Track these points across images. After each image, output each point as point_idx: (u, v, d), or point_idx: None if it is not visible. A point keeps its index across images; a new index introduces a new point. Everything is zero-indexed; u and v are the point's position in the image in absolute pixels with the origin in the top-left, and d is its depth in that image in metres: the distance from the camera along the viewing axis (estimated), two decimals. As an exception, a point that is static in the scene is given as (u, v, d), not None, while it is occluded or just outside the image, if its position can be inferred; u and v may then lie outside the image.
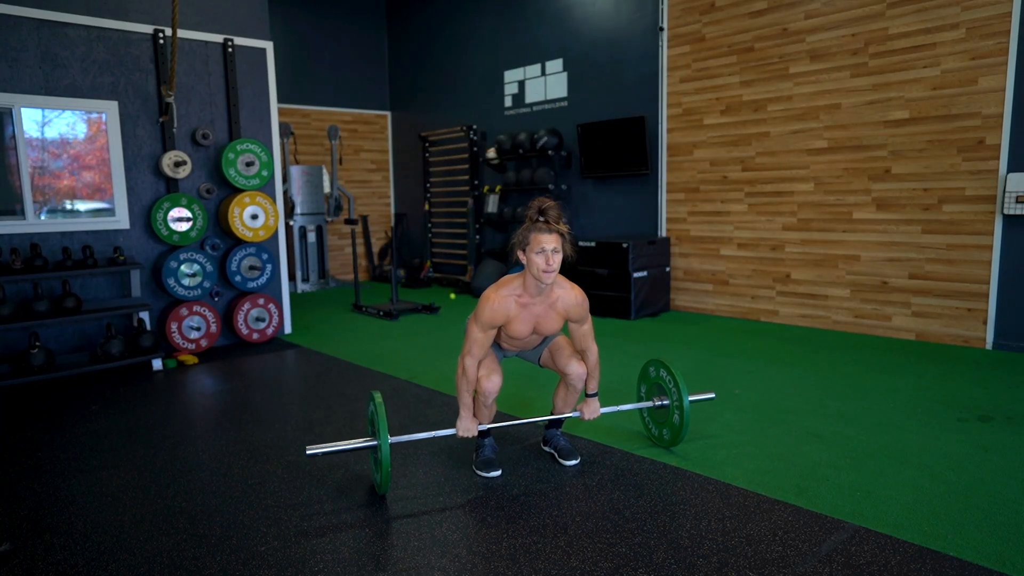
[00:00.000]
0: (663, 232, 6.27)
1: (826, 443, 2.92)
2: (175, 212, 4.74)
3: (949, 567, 1.94)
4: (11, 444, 3.15)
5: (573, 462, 2.75)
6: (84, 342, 4.59)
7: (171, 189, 4.85)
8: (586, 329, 2.62)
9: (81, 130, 4.68)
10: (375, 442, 2.42)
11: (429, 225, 8.91)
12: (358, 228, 8.48)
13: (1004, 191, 4.28)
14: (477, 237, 8.05)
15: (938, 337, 4.72)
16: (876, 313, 5.00)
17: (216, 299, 5.12)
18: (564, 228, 2.42)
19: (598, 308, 6.11)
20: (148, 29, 4.72)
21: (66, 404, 3.77)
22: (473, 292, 7.49)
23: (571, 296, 2.55)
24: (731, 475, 2.61)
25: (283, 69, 8.05)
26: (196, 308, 4.84)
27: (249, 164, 5.05)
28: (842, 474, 2.60)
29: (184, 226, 4.78)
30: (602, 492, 2.50)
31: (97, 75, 4.55)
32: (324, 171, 8.42)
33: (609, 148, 6.42)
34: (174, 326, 4.76)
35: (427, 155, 8.80)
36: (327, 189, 8.44)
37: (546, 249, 2.36)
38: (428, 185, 8.86)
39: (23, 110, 4.32)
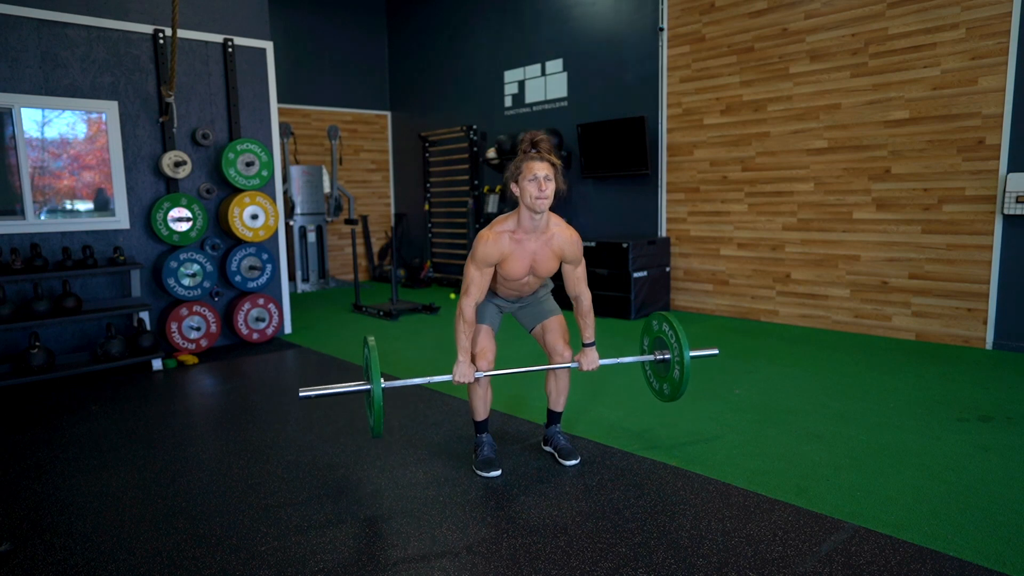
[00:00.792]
0: (663, 232, 6.27)
1: (826, 443, 2.92)
2: (175, 212, 4.74)
3: (949, 567, 1.94)
4: (11, 444, 3.15)
5: (573, 462, 2.74)
6: (84, 342, 4.59)
7: (171, 189, 4.85)
8: (580, 272, 2.63)
9: (81, 130, 4.68)
10: (368, 386, 2.41)
11: (429, 225, 8.91)
12: (358, 228, 8.48)
13: (1004, 191, 4.28)
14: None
15: (938, 337, 4.72)
16: (876, 313, 5.00)
17: (216, 299, 5.12)
18: (556, 160, 2.44)
19: (598, 308, 6.10)
20: (148, 29, 4.72)
21: (66, 404, 3.77)
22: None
23: (566, 234, 2.55)
24: (731, 475, 2.61)
25: (283, 69, 8.05)
26: (196, 308, 4.84)
27: (249, 164, 5.05)
28: (842, 474, 2.60)
29: (184, 226, 4.78)
30: (602, 492, 2.50)
31: (97, 75, 4.55)
32: (324, 171, 8.42)
33: (609, 148, 6.42)
34: (174, 326, 4.76)
35: (427, 155, 8.81)
36: (327, 189, 8.44)
37: (538, 176, 2.36)
38: (428, 185, 8.86)
39: (23, 110, 4.32)
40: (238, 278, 5.10)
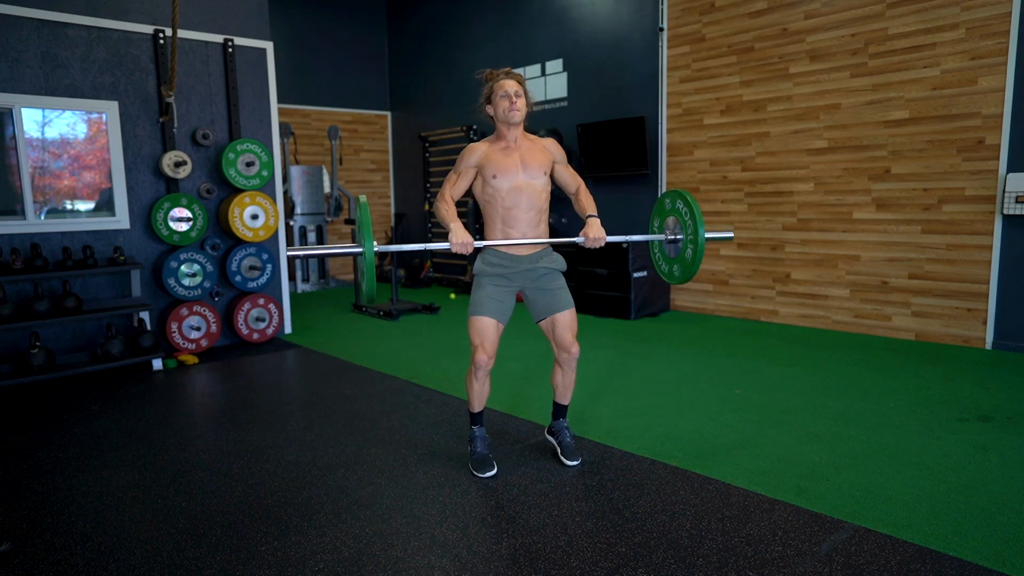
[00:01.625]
0: (663, 232, 6.27)
1: (826, 443, 2.92)
2: (175, 212, 4.74)
3: (949, 567, 1.94)
4: (11, 444, 3.15)
5: (574, 462, 2.74)
6: (84, 342, 4.59)
7: (171, 189, 4.85)
8: (571, 169, 2.78)
9: (81, 130, 4.68)
10: (360, 248, 2.35)
11: (429, 225, 8.91)
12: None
13: (1004, 191, 4.28)
14: (477, 237, 8.04)
15: (938, 337, 4.72)
16: (876, 313, 5.01)
17: (216, 299, 5.12)
18: (523, 78, 2.63)
19: (598, 308, 6.11)
20: (148, 29, 4.72)
21: (66, 404, 3.77)
22: (473, 292, 7.48)
23: (546, 140, 2.72)
24: (731, 475, 2.61)
25: (283, 69, 8.05)
26: (196, 308, 4.84)
27: (249, 164, 5.05)
28: (842, 474, 2.60)
29: (184, 226, 4.78)
30: (602, 492, 2.50)
31: (97, 75, 4.55)
32: (324, 171, 8.42)
33: (609, 148, 6.42)
34: (174, 326, 4.76)
35: (427, 155, 8.81)
36: (327, 189, 8.45)
37: (509, 92, 2.55)
38: (428, 185, 8.86)
39: (23, 110, 4.33)
40: (238, 278, 5.10)
